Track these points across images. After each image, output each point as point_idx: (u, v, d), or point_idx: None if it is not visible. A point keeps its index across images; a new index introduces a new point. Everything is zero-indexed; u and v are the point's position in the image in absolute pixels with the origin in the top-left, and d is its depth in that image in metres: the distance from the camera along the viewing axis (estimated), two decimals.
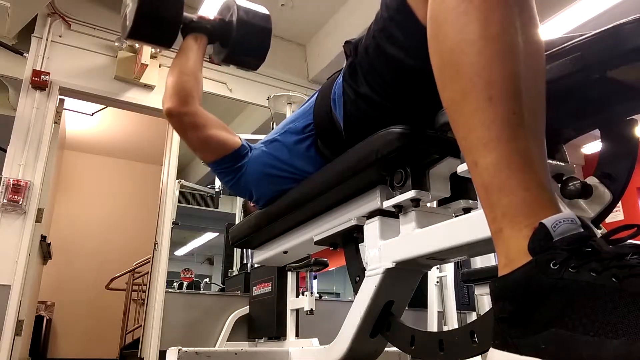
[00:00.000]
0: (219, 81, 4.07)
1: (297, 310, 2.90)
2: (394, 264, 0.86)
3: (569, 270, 0.43)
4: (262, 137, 1.36)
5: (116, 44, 3.77)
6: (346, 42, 0.97)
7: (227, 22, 1.37)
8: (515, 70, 0.50)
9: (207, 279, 6.46)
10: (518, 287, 0.46)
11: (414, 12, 0.72)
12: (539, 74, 0.53)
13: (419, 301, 3.40)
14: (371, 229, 0.94)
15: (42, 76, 3.39)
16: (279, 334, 2.95)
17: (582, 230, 0.45)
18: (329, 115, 1.02)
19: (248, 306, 3.52)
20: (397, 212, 0.87)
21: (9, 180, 3.10)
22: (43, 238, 3.42)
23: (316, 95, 1.13)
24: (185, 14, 1.30)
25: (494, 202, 0.49)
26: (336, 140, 1.02)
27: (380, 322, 0.92)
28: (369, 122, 0.91)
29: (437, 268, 3.32)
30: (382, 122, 0.87)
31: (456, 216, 0.86)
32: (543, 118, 0.52)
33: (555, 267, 0.44)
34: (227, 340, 3.44)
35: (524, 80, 0.50)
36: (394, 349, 0.90)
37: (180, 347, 1.26)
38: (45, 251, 3.70)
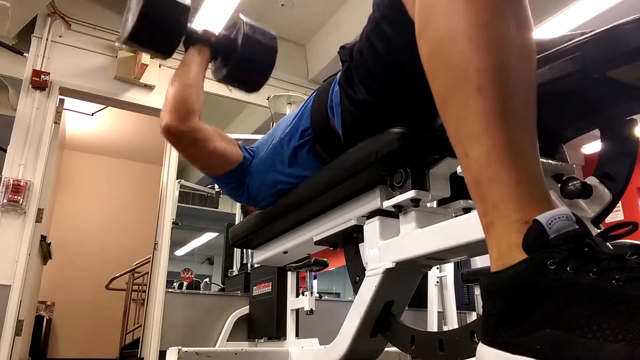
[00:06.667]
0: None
1: (297, 310, 2.90)
2: (394, 264, 0.86)
3: (567, 270, 0.42)
4: (261, 137, 1.36)
5: (116, 44, 3.76)
6: (341, 47, 0.97)
7: (232, 38, 1.32)
8: (506, 59, 0.49)
9: (207, 279, 6.46)
10: (512, 286, 0.45)
11: (405, 8, 0.72)
12: (530, 64, 0.51)
13: (419, 301, 3.40)
14: (371, 229, 0.94)
15: (42, 76, 3.38)
16: (279, 334, 2.95)
17: (577, 227, 0.44)
18: (327, 122, 1.02)
19: (248, 306, 3.52)
20: (397, 212, 0.88)
21: (9, 180, 3.10)
22: (43, 238, 3.42)
23: (313, 97, 1.11)
24: (190, 25, 1.25)
25: (485, 195, 0.48)
26: (335, 146, 1.01)
27: (380, 322, 0.92)
28: (367, 129, 0.90)
29: (437, 268, 3.31)
30: (380, 128, 0.86)
31: (456, 216, 0.86)
32: (534, 108, 0.50)
33: (553, 267, 0.43)
34: (227, 340, 3.43)
35: (514, 69, 0.49)
36: (394, 349, 0.90)
37: (180, 347, 1.26)
38: (45, 251, 3.70)
